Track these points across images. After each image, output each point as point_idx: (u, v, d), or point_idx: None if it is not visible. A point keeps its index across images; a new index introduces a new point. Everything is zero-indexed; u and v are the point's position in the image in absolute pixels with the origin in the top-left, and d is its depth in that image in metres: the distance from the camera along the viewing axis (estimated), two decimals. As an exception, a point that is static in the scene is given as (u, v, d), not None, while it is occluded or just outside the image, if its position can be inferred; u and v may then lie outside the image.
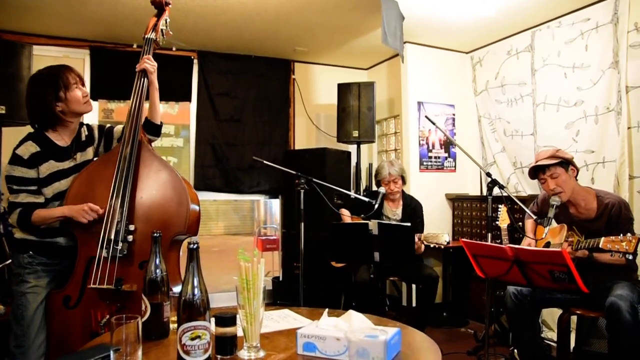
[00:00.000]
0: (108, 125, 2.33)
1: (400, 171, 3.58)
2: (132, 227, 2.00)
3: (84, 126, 2.23)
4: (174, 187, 2.10)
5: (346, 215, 3.66)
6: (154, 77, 2.20)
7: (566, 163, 2.54)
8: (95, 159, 2.21)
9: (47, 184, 2.05)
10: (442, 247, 2.95)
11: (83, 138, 2.20)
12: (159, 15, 2.32)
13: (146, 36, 2.25)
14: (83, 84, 2.13)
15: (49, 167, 2.05)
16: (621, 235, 2.23)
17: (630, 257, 2.22)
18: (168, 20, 2.34)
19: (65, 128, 2.13)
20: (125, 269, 1.96)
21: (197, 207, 2.17)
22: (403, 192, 3.69)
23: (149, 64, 2.18)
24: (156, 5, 2.33)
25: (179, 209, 2.07)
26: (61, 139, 2.12)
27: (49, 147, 2.07)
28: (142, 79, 2.18)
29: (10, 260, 2.83)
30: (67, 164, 2.10)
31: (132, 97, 2.16)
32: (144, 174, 2.10)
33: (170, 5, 2.36)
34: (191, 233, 2.13)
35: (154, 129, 2.29)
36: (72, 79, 2.08)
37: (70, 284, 1.99)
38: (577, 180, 2.61)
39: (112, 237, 1.96)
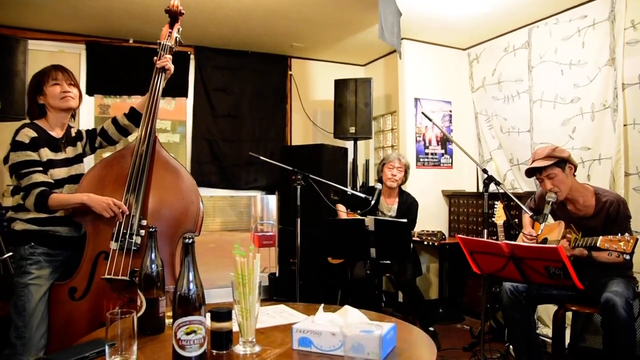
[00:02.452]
0: (93, 128, 2.40)
1: (406, 164, 3.65)
2: (144, 222, 2.05)
3: (73, 128, 2.29)
4: (188, 186, 2.19)
5: (342, 211, 3.66)
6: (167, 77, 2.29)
7: (563, 162, 2.51)
8: (86, 155, 2.31)
9: (46, 170, 2.07)
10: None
11: (72, 134, 2.27)
12: (172, 25, 2.34)
13: (162, 42, 2.29)
14: (71, 84, 2.15)
15: (45, 153, 2.08)
16: (619, 234, 2.23)
17: (628, 257, 2.22)
18: (181, 30, 2.37)
19: (54, 121, 2.16)
20: (137, 261, 1.98)
21: (202, 207, 2.24)
22: (400, 188, 3.70)
23: (170, 63, 2.26)
24: (171, 15, 2.34)
25: (190, 207, 2.15)
26: (53, 130, 2.17)
27: (44, 134, 2.11)
28: (160, 75, 2.24)
29: (8, 255, 2.83)
30: (59, 155, 2.15)
31: (149, 94, 2.21)
32: (157, 171, 2.15)
33: (183, 15, 2.36)
34: (197, 231, 2.19)
35: (136, 120, 2.33)
36: (55, 76, 2.11)
37: (77, 276, 2.00)
38: (575, 176, 2.61)
39: (127, 230, 2.00)
